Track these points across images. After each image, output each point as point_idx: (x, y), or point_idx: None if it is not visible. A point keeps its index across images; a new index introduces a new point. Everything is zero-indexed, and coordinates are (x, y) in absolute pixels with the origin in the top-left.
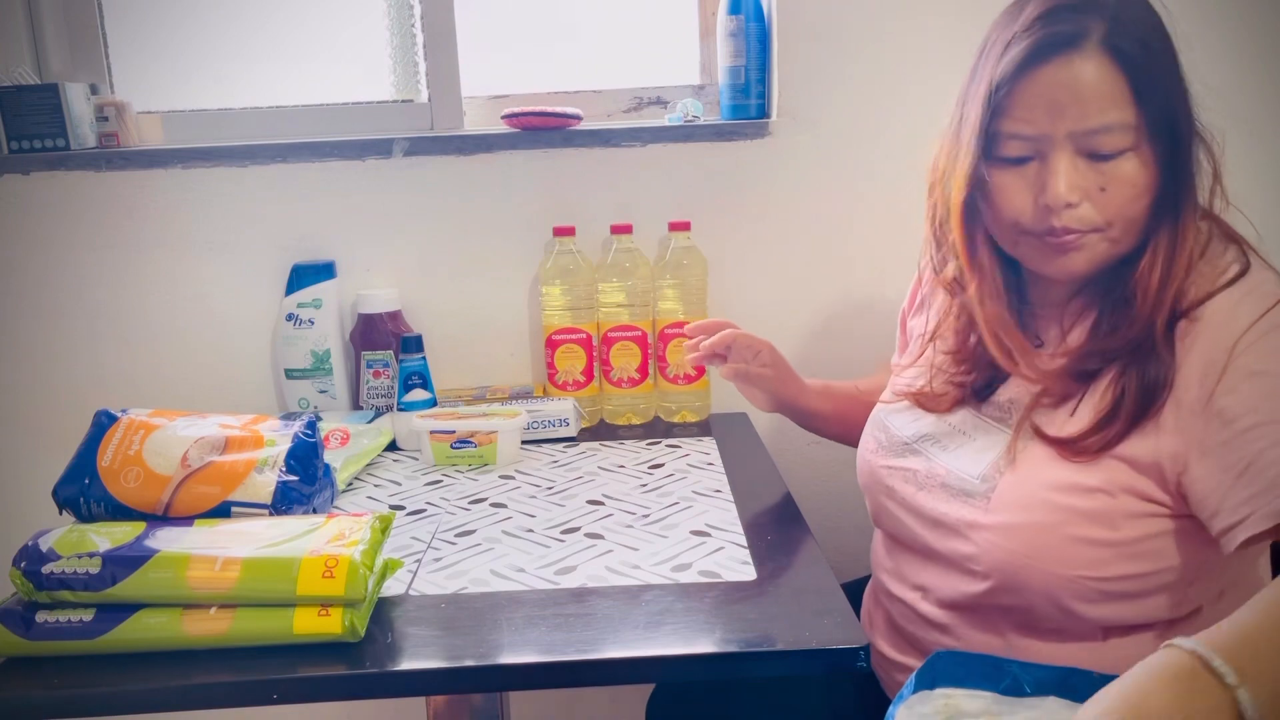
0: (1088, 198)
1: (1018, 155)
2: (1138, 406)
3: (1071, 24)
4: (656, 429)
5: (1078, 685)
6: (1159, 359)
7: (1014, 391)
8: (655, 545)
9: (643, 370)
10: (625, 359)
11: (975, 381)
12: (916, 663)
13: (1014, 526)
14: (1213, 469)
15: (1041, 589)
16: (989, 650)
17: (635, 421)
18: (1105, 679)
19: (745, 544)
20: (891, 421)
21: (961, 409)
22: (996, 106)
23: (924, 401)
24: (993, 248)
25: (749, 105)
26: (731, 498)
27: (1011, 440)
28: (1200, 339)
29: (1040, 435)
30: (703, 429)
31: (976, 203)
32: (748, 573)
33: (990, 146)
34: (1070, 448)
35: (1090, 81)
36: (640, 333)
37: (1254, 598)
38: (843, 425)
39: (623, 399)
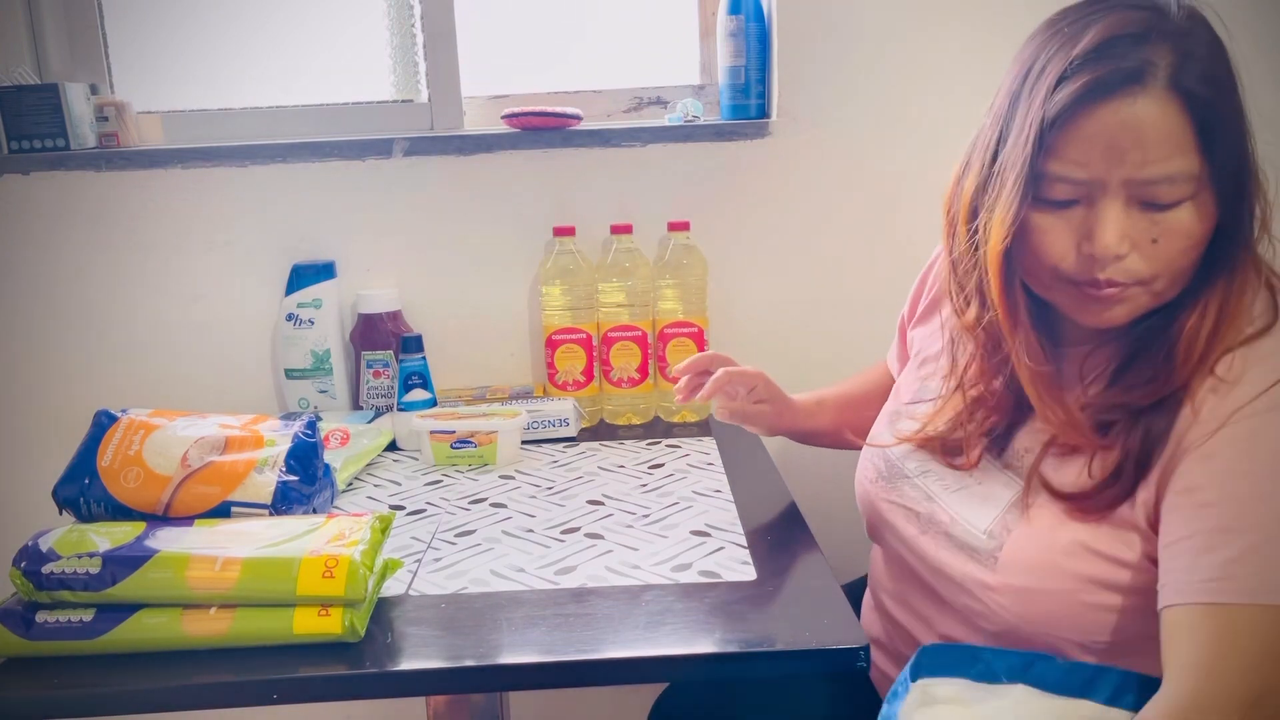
0: (1136, 249)
1: (1064, 199)
2: (1139, 459)
3: (1136, 59)
4: (656, 429)
5: (1043, 672)
6: (1169, 412)
7: (1028, 440)
8: (655, 545)
9: (643, 370)
10: (625, 359)
11: (997, 427)
12: None
13: (1024, 591)
14: (1165, 526)
15: (1056, 648)
16: None
17: (635, 421)
18: (1073, 666)
19: (745, 544)
20: (893, 450)
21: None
22: (1047, 145)
23: (946, 448)
24: (1028, 294)
25: (749, 105)
26: (731, 498)
27: (1022, 493)
28: (1210, 395)
29: (1049, 489)
30: (703, 429)
31: (1014, 248)
32: (748, 573)
33: (1033, 186)
34: (1079, 505)
35: (1154, 125)
36: (640, 333)
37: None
38: (838, 437)
39: (623, 399)
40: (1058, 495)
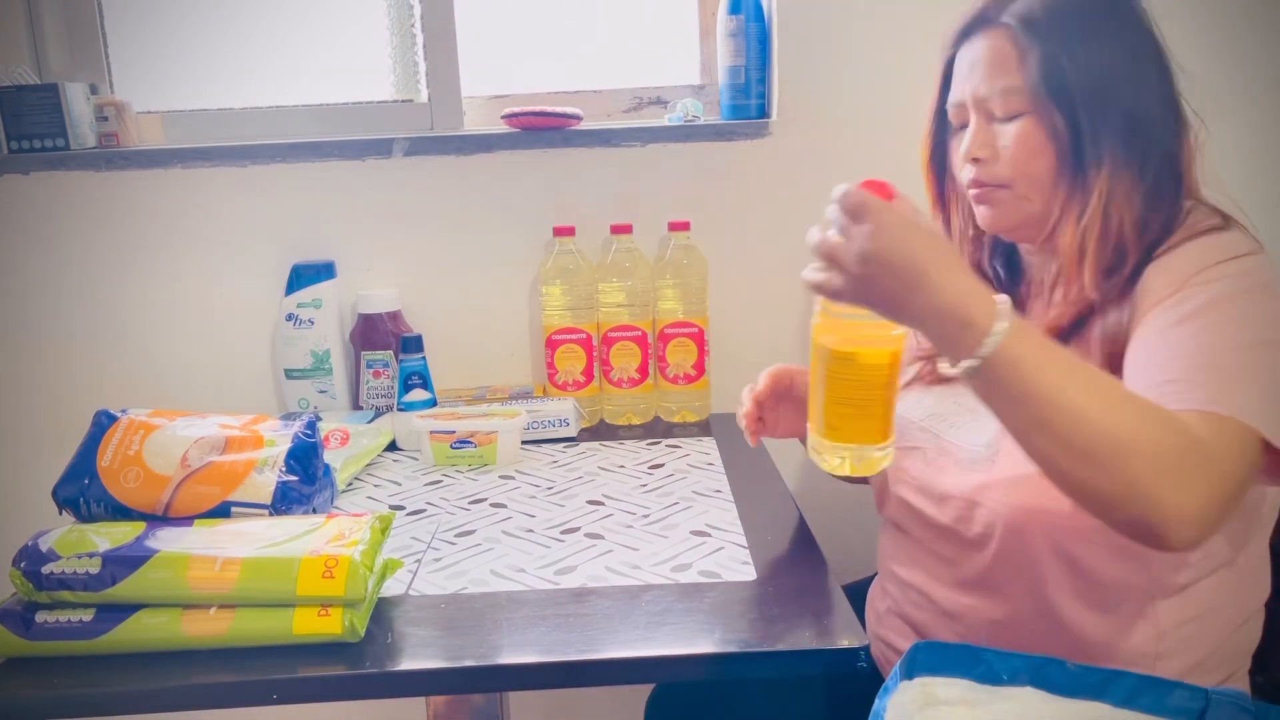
0: (995, 157)
1: (959, 123)
2: (1104, 358)
3: (994, 8)
4: (656, 429)
5: (1053, 675)
6: (1120, 309)
7: None
8: (655, 545)
9: (643, 370)
10: (625, 359)
11: None
12: None
13: (1017, 479)
14: (1135, 347)
15: (1046, 538)
16: (1005, 632)
17: (635, 421)
18: (1082, 669)
19: (745, 544)
20: (899, 406)
21: (942, 385)
22: (944, 83)
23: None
24: (966, 213)
25: (749, 105)
26: (731, 498)
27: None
28: (1164, 270)
29: None
30: (703, 429)
31: (942, 163)
32: (748, 573)
33: (942, 113)
34: None
35: (990, 51)
36: (640, 333)
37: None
38: None
39: (623, 399)
40: None
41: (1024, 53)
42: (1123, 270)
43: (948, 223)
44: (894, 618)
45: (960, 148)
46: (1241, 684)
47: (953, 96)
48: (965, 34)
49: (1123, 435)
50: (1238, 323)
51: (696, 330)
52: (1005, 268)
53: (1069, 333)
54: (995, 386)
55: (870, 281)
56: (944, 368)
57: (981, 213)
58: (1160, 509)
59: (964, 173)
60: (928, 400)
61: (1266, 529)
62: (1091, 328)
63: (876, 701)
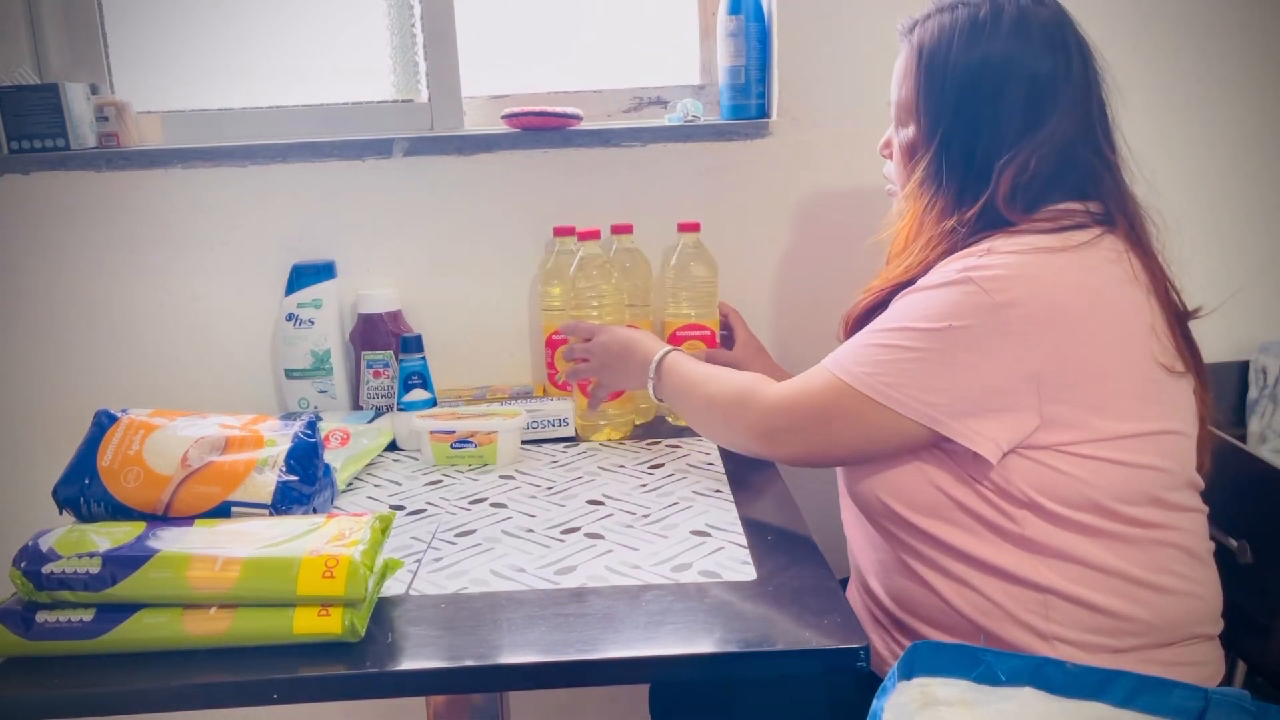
0: (892, 159)
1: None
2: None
3: (912, 22)
4: (658, 428)
5: (1052, 675)
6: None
7: None
8: (655, 545)
9: None
10: None
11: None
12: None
13: None
14: None
15: (865, 493)
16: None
17: (639, 421)
18: (1081, 669)
19: (745, 544)
20: None
21: None
22: None
23: None
24: None
25: (749, 105)
26: (731, 498)
27: None
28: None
29: None
30: None
31: None
32: (748, 573)
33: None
34: None
35: (899, 62)
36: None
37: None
38: None
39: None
40: None
41: (904, 66)
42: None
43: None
44: (865, 616)
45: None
46: (1200, 652)
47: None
48: (900, 40)
49: (709, 414)
50: (886, 328)
51: (709, 333)
52: None
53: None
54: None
55: (607, 369)
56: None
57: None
58: (745, 432)
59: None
60: None
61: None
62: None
63: (875, 702)
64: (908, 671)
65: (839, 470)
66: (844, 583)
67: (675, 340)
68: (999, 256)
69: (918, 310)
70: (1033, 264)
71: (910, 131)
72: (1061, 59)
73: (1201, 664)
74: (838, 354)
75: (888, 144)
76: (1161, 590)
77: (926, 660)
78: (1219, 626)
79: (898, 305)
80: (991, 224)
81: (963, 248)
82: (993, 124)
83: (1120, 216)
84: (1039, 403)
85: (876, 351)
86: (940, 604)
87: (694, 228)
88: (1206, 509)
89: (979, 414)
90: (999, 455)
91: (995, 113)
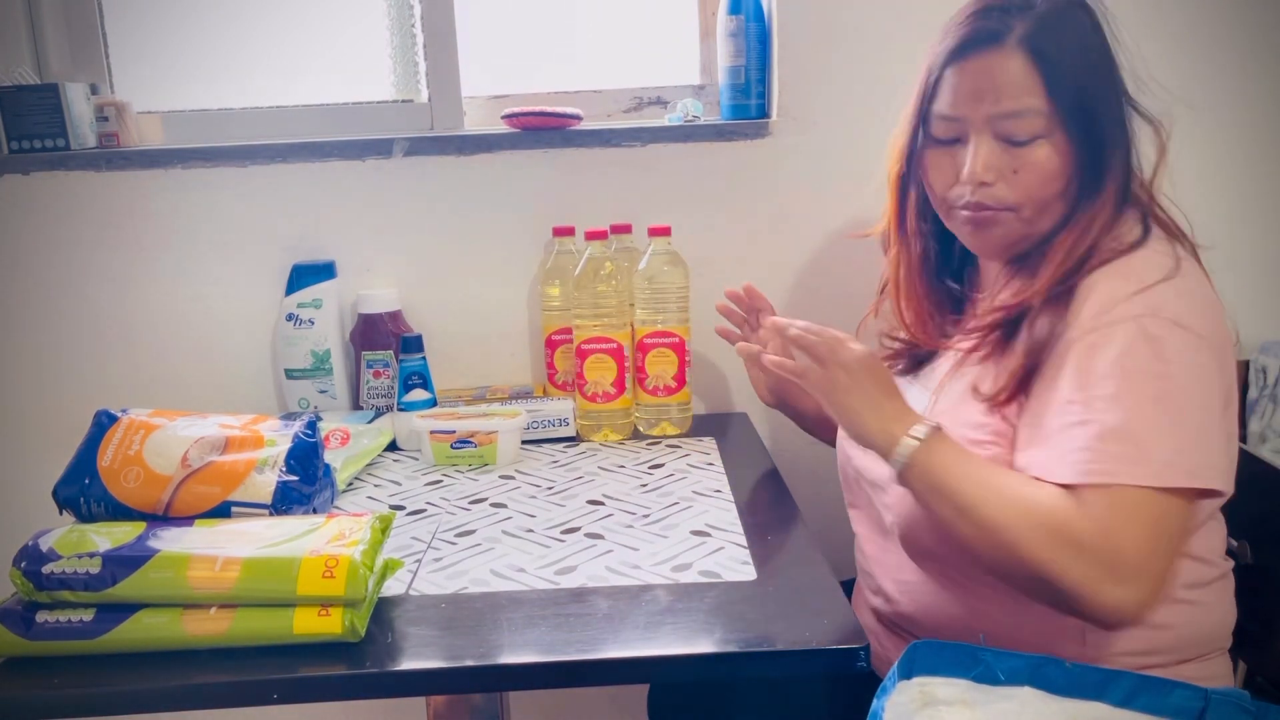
0: (1002, 179)
1: (947, 136)
2: (1029, 359)
3: (997, 22)
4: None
5: (1051, 675)
6: (1055, 316)
7: (942, 364)
8: (655, 545)
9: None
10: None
11: (911, 349)
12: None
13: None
14: (1055, 383)
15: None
16: (948, 622)
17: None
18: (1080, 669)
19: (745, 544)
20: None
21: (904, 377)
22: (931, 91)
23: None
24: (928, 221)
25: (749, 105)
26: (731, 498)
27: (931, 398)
28: (1092, 292)
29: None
30: (702, 429)
31: (909, 176)
32: (748, 573)
33: (925, 126)
34: (987, 400)
35: (1008, 71)
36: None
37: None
38: (832, 431)
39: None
40: (969, 392)
41: (1050, 77)
42: (1069, 280)
43: (905, 242)
44: (873, 621)
45: (952, 165)
46: (1216, 666)
47: (944, 109)
48: (964, 50)
49: (1006, 524)
50: (1139, 382)
51: (678, 340)
52: (958, 279)
53: (1005, 330)
54: (912, 485)
55: (839, 386)
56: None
57: (973, 235)
58: (1073, 596)
59: (957, 192)
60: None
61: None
62: (1022, 331)
63: (875, 701)
64: (907, 671)
65: (898, 506)
66: (846, 585)
67: (643, 348)
68: (1171, 287)
69: (1151, 365)
70: (1200, 288)
71: (1062, 141)
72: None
73: (1214, 678)
74: (1125, 453)
75: (992, 166)
76: (1193, 604)
77: (926, 660)
78: (1229, 641)
79: (1109, 362)
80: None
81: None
82: (1122, 123)
83: (1171, 222)
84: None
85: (1178, 433)
86: (976, 626)
87: (664, 231)
88: (1223, 518)
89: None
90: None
91: (1122, 113)
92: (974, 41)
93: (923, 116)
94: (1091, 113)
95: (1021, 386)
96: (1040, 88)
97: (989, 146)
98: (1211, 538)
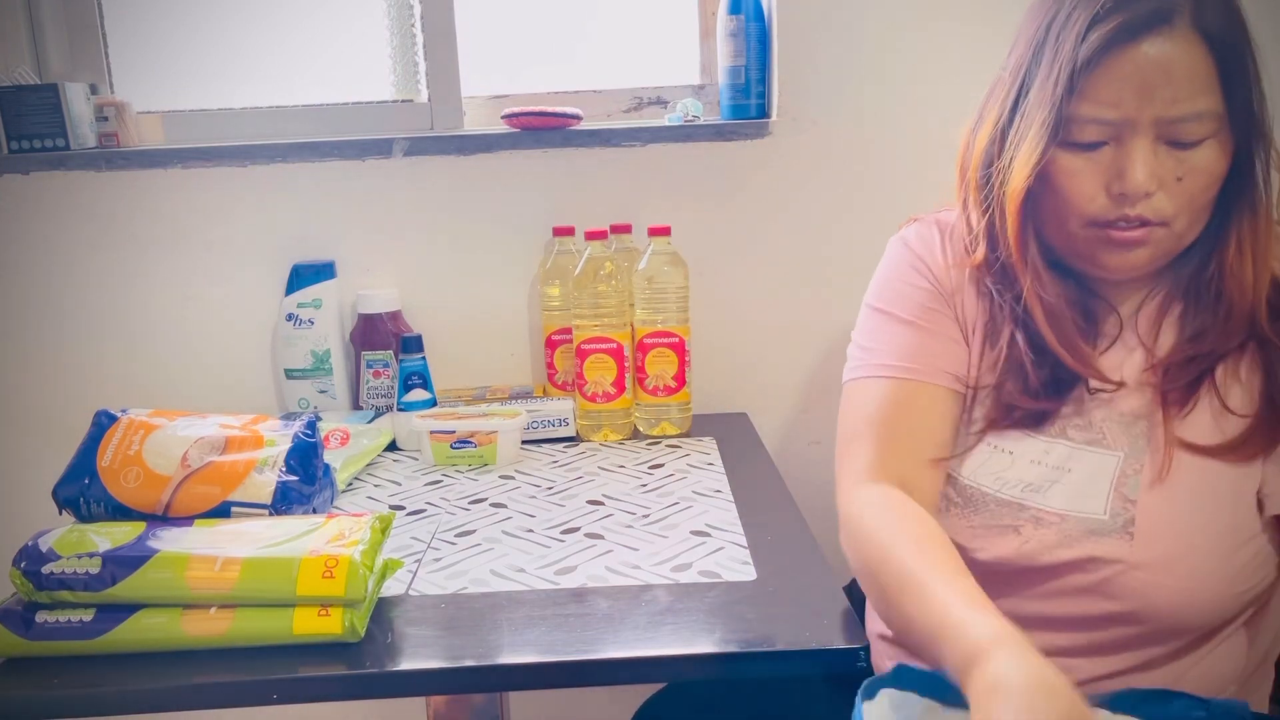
0: (1163, 187)
1: (1093, 140)
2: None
3: (1157, 9)
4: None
5: None
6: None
7: (1104, 410)
8: (655, 545)
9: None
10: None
11: (1034, 397)
12: None
13: (1172, 560)
14: None
15: (1200, 616)
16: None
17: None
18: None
19: (745, 544)
20: (960, 471)
21: (1028, 439)
22: (1078, 88)
23: (1015, 420)
24: (1040, 242)
25: (749, 105)
26: (731, 498)
27: (1161, 456)
28: None
29: (1186, 446)
30: (702, 429)
31: (1036, 194)
32: (748, 573)
33: (1062, 128)
34: (1234, 453)
35: (1181, 63)
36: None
37: None
38: None
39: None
40: (1199, 450)
41: (1225, 67)
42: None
43: (1026, 260)
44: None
45: (1095, 175)
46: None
47: (1096, 111)
48: (1126, 35)
49: None
50: None
51: (678, 340)
52: (1082, 314)
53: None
54: None
55: None
56: None
57: (1126, 256)
58: None
59: (1103, 206)
60: (995, 464)
61: None
62: (1231, 370)
63: (857, 702)
64: (894, 682)
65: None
66: (852, 588)
67: (643, 348)
68: None
69: None
70: None
71: (1229, 143)
72: None
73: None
74: None
75: (1154, 174)
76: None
77: (910, 678)
78: None
79: None
80: None
81: None
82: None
83: None
84: None
85: None
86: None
87: (664, 231)
88: None
89: None
90: None
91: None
92: (1139, 24)
93: (1060, 117)
94: (1251, 108)
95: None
96: (1215, 82)
97: (1151, 151)
98: None
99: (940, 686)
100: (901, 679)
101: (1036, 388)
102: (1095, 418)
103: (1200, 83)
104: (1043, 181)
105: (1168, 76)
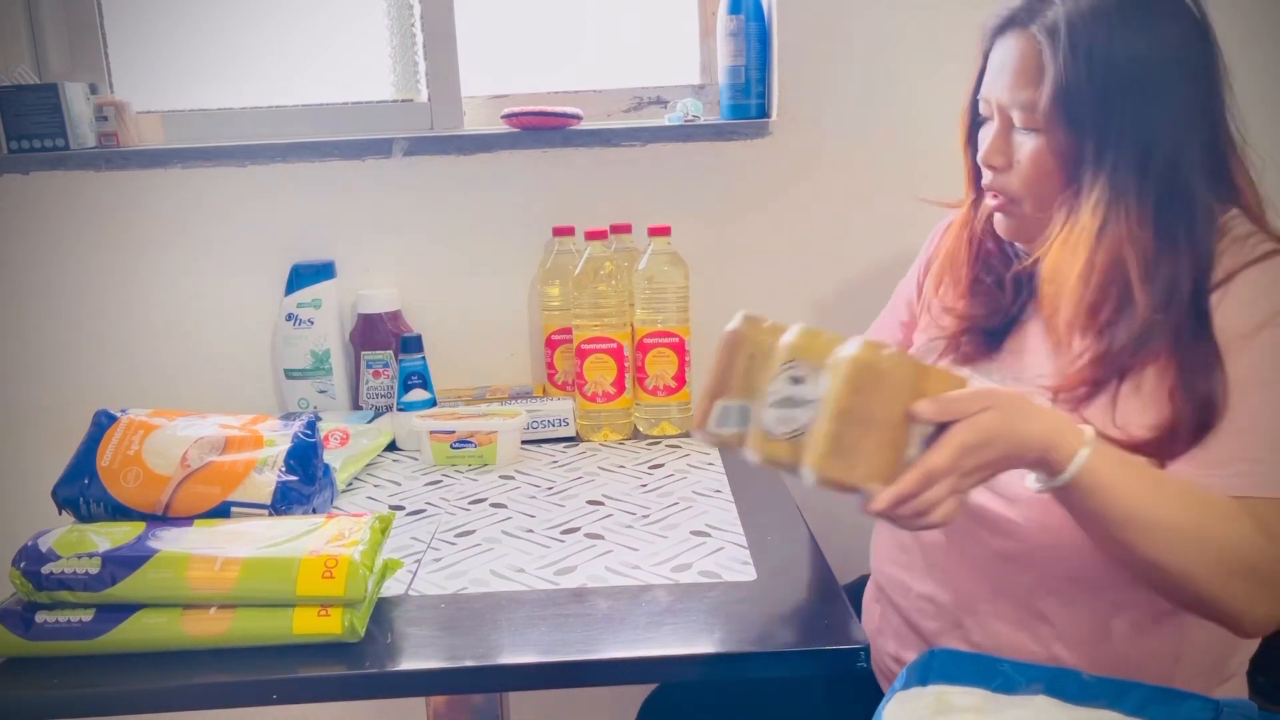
0: (1008, 167)
1: (985, 116)
2: (1197, 422)
3: (1026, 11)
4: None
5: (1067, 685)
6: (1207, 362)
7: (1040, 367)
8: (655, 545)
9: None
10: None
11: (982, 320)
12: None
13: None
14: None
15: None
16: (1013, 644)
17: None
18: (1096, 680)
19: (745, 544)
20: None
21: (971, 365)
22: (982, 70)
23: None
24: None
25: (749, 105)
26: (731, 498)
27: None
28: (1235, 302)
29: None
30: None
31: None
32: (748, 573)
33: (976, 107)
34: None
35: (1019, 57)
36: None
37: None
38: None
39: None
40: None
41: (1046, 68)
42: (1131, 315)
43: (975, 205)
44: (892, 624)
45: (982, 145)
46: (1240, 681)
47: (983, 90)
48: (1000, 30)
49: (1187, 560)
50: None
51: (678, 340)
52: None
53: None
54: (1075, 504)
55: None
56: (1030, 482)
57: (997, 220)
58: (1233, 617)
59: (985, 175)
60: None
61: None
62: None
63: (884, 701)
64: (922, 677)
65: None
66: (852, 588)
67: (643, 348)
68: None
69: None
70: None
71: (1061, 137)
72: (1210, 30)
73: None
74: None
75: (999, 151)
76: None
77: (944, 667)
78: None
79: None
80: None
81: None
82: (1180, 113)
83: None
84: None
85: None
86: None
87: (664, 231)
88: None
89: None
90: None
91: (1181, 98)
92: (1007, 22)
93: (976, 88)
94: (1092, 113)
95: (1176, 445)
96: (1037, 77)
97: (999, 130)
98: None
99: (971, 669)
100: (931, 671)
101: (981, 318)
102: (1030, 373)
103: (1025, 76)
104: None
105: (1004, 66)
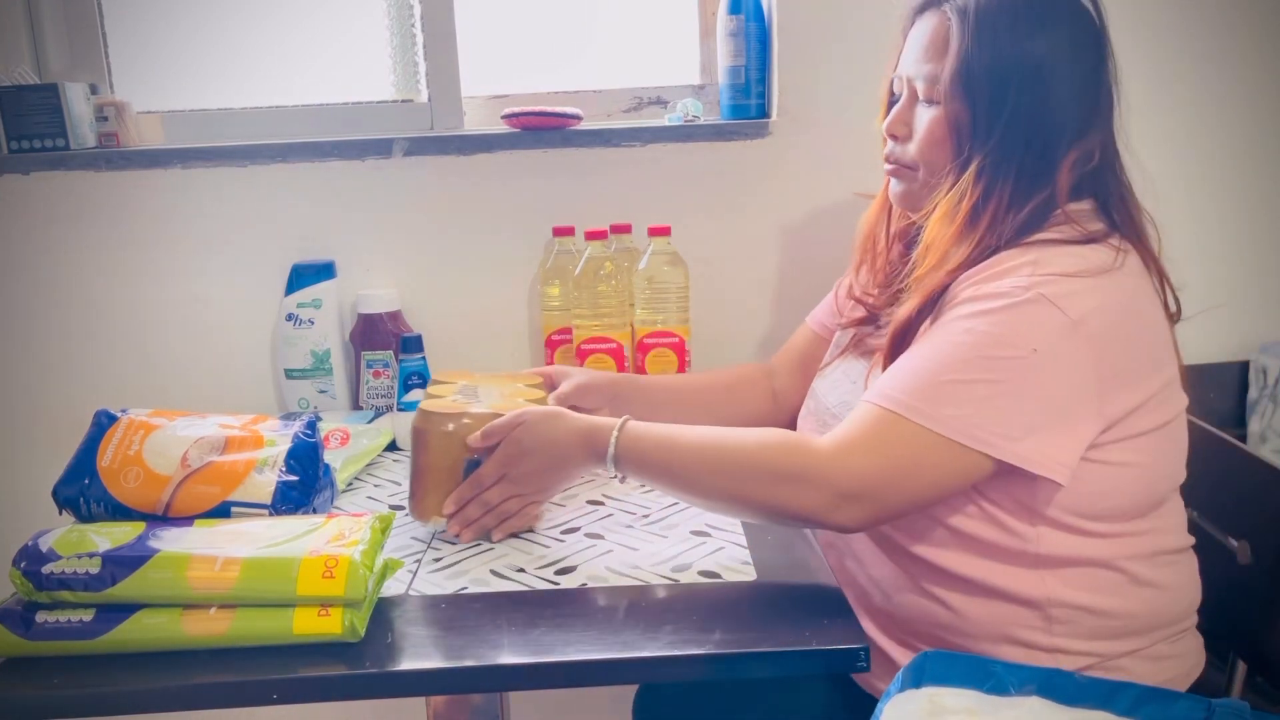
0: (908, 137)
1: (896, 94)
2: (893, 347)
3: None
4: None
5: (1060, 686)
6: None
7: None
8: (655, 545)
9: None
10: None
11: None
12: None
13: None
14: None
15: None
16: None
17: None
18: (1089, 681)
19: (745, 544)
20: (819, 386)
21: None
22: (902, 49)
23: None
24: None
25: (749, 105)
26: None
27: (867, 369)
28: (978, 271)
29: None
30: None
31: None
32: (748, 573)
33: (894, 84)
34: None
35: (927, 34)
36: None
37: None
38: (711, 417)
39: None
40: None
41: (951, 42)
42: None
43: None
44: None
45: (889, 118)
46: (1187, 642)
47: (898, 68)
48: (921, 10)
49: (730, 481)
50: (962, 358)
51: (678, 340)
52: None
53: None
54: (638, 472)
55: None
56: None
57: (892, 187)
58: (805, 516)
59: (886, 145)
60: (840, 389)
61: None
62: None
63: (879, 705)
64: (916, 680)
65: None
66: None
67: (643, 348)
68: (1062, 273)
69: (994, 336)
70: (1099, 281)
71: (956, 109)
72: (1106, 39)
73: (1186, 655)
74: (907, 395)
75: (902, 121)
76: (1157, 586)
77: (936, 669)
78: (1196, 618)
79: (961, 327)
80: (1031, 224)
81: (1004, 248)
82: (1062, 108)
83: (1129, 219)
84: (1099, 412)
85: (959, 389)
86: (940, 624)
87: (664, 231)
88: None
89: (1053, 437)
90: (1069, 477)
91: (1066, 95)
92: (920, 6)
93: (895, 72)
94: (995, 91)
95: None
96: (942, 52)
97: (904, 103)
98: (1169, 519)
99: (963, 671)
100: (924, 673)
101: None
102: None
103: (933, 52)
104: None
105: (915, 42)
